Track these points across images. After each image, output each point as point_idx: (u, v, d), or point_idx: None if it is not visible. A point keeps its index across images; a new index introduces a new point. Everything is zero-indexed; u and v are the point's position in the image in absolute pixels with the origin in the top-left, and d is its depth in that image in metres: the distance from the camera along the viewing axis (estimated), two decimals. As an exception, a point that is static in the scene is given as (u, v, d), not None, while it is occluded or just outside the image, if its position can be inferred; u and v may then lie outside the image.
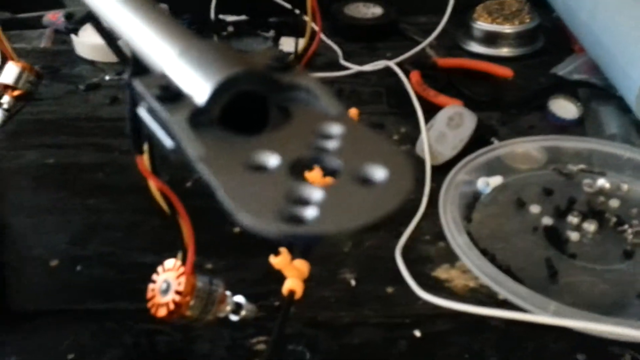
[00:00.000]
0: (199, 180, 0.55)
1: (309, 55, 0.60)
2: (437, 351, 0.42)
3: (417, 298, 0.44)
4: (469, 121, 0.58)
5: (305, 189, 0.19)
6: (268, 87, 0.22)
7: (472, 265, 0.46)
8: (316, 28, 0.59)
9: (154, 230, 0.51)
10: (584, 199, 0.53)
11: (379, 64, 0.72)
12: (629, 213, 0.51)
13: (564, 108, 0.64)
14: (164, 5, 0.73)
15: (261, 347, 0.42)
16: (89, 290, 0.47)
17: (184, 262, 0.32)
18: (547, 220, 0.51)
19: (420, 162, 0.57)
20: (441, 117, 0.60)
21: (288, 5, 0.79)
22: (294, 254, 0.35)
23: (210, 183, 0.20)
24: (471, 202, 0.53)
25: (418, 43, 0.75)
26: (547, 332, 0.42)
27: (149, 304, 0.32)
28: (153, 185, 0.31)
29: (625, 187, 0.54)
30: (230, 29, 0.80)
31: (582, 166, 0.56)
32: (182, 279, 0.32)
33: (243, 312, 0.35)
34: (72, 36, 0.76)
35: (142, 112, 0.23)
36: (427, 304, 0.44)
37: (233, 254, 0.48)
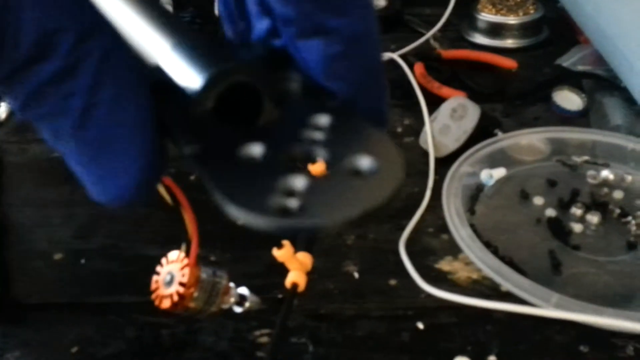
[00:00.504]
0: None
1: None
2: (440, 343, 0.42)
3: (420, 290, 0.44)
4: (472, 113, 0.58)
5: (295, 181, 0.19)
6: (261, 79, 0.22)
7: (474, 257, 0.46)
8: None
9: (158, 224, 0.51)
10: (587, 191, 0.53)
11: (383, 56, 0.72)
12: (632, 204, 0.51)
13: (569, 99, 0.64)
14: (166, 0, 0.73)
15: (264, 339, 0.42)
16: (93, 283, 0.47)
17: (187, 254, 0.32)
18: (550, 212, 0.51)
19: (424, 154, 0.57)
20: (445, 109, 0.59)
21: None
22: (297, 246, 0.35)
23: (200, 176, 0.20)
24: (475, 194, 0.53)
25: (422, 35, 0.75)
26: (550, 324, 0.42)
27: (153, 296, 0.32)
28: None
29: (629, 178, 0.54)
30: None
31: (586, 157, 0.56)
32: (186, 271, 0.32)
33: (247, 304, 0.35)
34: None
35: None
36: (430, 296, 0.44)
37: (236, 247, 0.49)
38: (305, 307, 0.44)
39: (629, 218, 0.50)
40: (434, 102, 0.62)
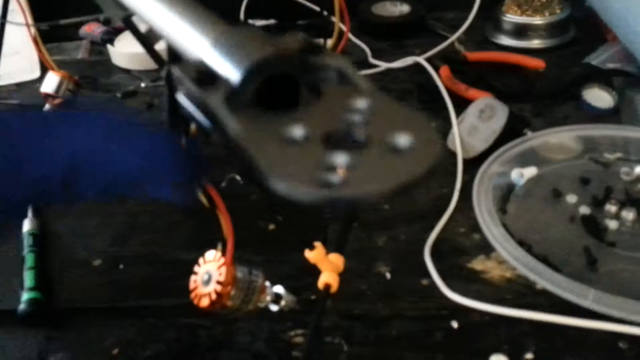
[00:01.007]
0: (232, 181, 0.56)
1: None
2: (475, 342, 0.41)
3: (453, 290, 0.44)
4: (500, 113, 0.58)
5: (336, 157, 0.20)
6: (298, 68, 0.23)
7: (508, 255, 0.46)
8: (344, 28, 0.60)
9: (192, 230, 0.52)
10: (621, 187, 0.52)
11: (408, 61, 0.72)
12: (669, 200, 0.50)
13: (599, 97, 0.63)
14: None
15: (299, 339, 0.42)
16: (132, 287, 0.48)
17: (224, 253, 0.33)
18: (584, 210, 0.50)
19: (452, 155, 0.57)
20: (472, 109, 0.59)
21: (316, 8, 0.80)
22: (329, 248, 0.35)
23: (246, 158, 0.21)
24: (505, 193, 0.53)
25: (446, 38, 0.75)
26: (587, 320, 0.41)
27: (192, 295, 0.33)
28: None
29: (664, 174, 0.53)
30: (260, 33, 0.82)
31: (618, 154, 0.55)
32: (223, 270, 0.32)
33: (283, 302, 0.35)
34: (108, 46, 0.78)
35: (181, 97, 0.24)
36: (462, 295, 0.44)
37: (268, 250, 0.49)
38: (338, 308, 0.44)
39: (666, 214, 0.49)
40: (461, 104, 0.62)
